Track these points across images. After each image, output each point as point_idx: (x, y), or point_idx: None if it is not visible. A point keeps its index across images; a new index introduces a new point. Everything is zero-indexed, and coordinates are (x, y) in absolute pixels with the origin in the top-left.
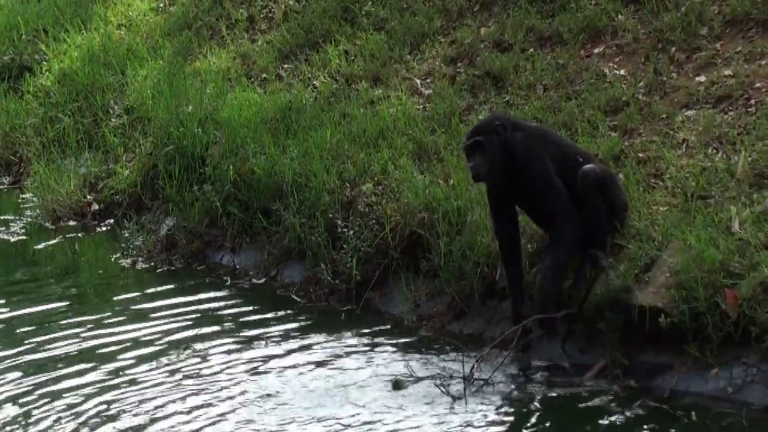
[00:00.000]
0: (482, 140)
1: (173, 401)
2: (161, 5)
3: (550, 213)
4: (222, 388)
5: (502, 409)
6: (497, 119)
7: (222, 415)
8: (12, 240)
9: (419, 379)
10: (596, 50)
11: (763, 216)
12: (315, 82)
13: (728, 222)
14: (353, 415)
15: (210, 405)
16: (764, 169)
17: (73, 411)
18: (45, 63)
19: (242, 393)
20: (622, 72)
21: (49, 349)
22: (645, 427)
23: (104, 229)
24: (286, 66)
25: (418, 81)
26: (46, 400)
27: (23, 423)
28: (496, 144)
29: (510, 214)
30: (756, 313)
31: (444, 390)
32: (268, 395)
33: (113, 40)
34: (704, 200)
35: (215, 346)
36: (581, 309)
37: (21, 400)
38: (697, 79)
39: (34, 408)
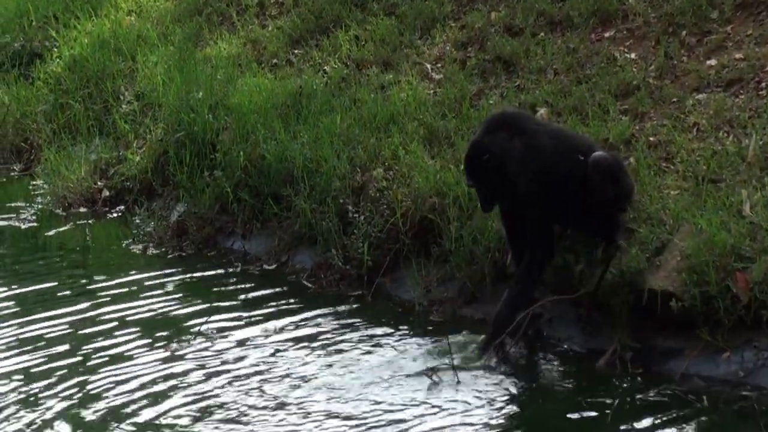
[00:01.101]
0: (476, 182)
1: (181, 387)
2: None
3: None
4: (231, 374)
5: (509, 394)
6: (483, 153)
7: (230, 401)
8: (23, 227)
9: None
10: (607, 34)
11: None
12: (325, 67)
13: (739, 205)
14: (369, 405)
15: (218, 390)
16: (760, 153)
17: (72, 391)
18: (55, 50)
19: (251, 379)
20: (633, 56)
21: (55, 330)
22: (656, 411)
23: (115, 215)
24: (296, 51)
25: (428, 66)
26: (52, 379)
27: (19, 400)
28: (492, 173)
29: (517, 216)
30: (767, 296)
31: (437, 379)
32: (279, 383)
33: (123, 26)
34: (715, 184)
35: (225, 332)
36: (596, 291)
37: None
38: (707, 62)
39: (35, 386)
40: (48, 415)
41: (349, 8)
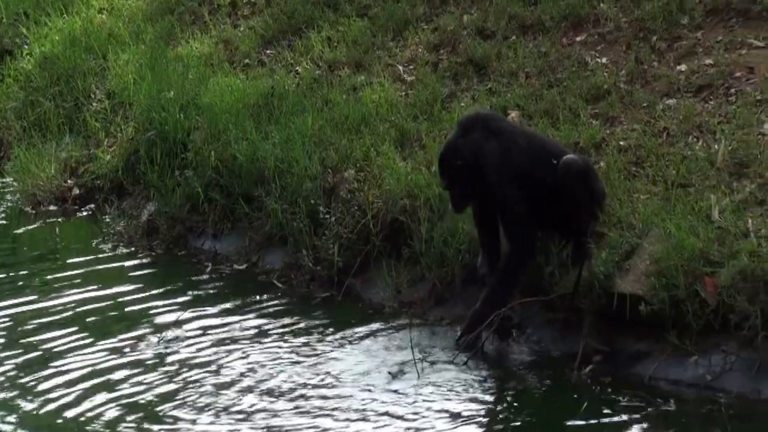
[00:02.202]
0: (449, 184)
1: (151, 388)
2: None
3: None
4: (200, 373)
5: (482, 393)
6: (458, 155)
7: (190, 400)
8: None
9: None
10: (578, 38)
11: (743, 204)
12: (297, 68)
13: (708, 210)
14: (334, 403)
15: (187, 390)
16: (744, 158)
17: (41, 395)
18: (26, 47)
19: (215, 378)
20: (604, 60)
21: (27, 332)
22: (623, 414)
23: (85, 214)
24: (268, 52)
25: (400, 68)
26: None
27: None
28: (465, 175)
29: (491, 217)
30: (735, 301)
31: (400, 376)
32: (246, 382)
33: (95, 24)
34: (684, 188)
35: (194, 331)
36: (574, 293)
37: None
38: (678, 68)
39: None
40: None
41: (321, 9)
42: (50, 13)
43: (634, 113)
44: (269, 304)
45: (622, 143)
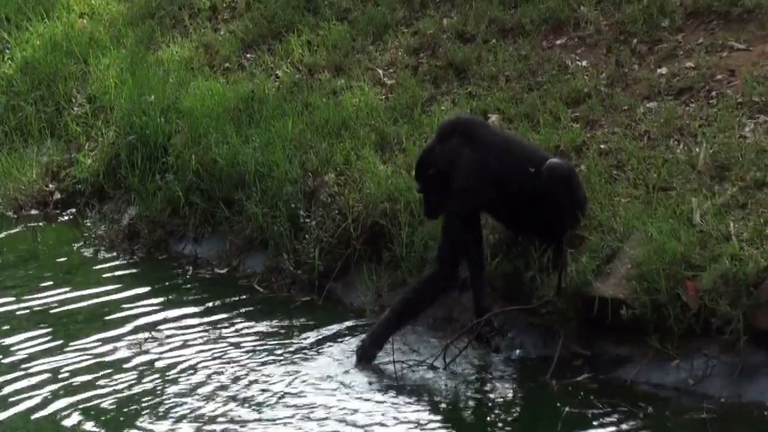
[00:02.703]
0: (423, 190)
1: (128, 394)
2: None
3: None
4: (173, 377)
5: (463, 397)
6: (434, 162)
7: (171, 404)
8: None
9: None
10: (558, 42)
11: (724, 208)
12: (278, 72)
13: (689, 214)
14: (314, 407)
15: (166, 393)
16: (725, 161)
17: (25, 395)
18: (7, 51)
19: (199, 382)
20: (584, 63)
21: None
22: (605, 418)
23: (66, 218)
24: (248, 56)
25: (380, 71)
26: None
27: None
28: (440, 182)
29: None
30: (717, 304)
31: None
32: (225, 386)
33: (76, 28)
34: (666, 192)
35: (173, 335)
36: (557, 297)
37: None
38: (658, 71)
39: None
40: None
41: (301, 13)
42: (31, 18)
43: (614, 116)
44: (249, 307)
45: (602, 146)
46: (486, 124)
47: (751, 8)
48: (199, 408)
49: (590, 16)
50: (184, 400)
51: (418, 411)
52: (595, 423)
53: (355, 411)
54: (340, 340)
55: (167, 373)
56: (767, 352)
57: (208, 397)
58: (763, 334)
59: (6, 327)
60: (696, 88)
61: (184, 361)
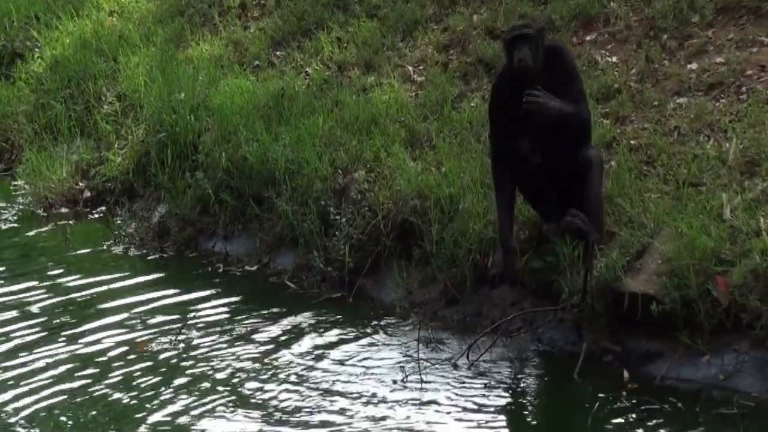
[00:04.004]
0: (530, 32)
1: (163, 389)
2: None
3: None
4: (208, 373)
5: (491, 395)
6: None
7: (208, 399)
8: (3, 227)
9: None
10: (588, 37)
11: (755, 203)
12: (307, 69)
13: (720, 209)
14: (344, 403)
15: (192, 388)
16: (755, 156)
17: (49, 392)
18: (37, 50)
19: (229, 378)
20: (614, 59)
21: (32, 331)
22: (635, 413)
23: (96, 216)
24: (278, 53)
25: (410, 68)
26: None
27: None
28: (540, 42)
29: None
30: (747, 300)
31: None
32: (260, 386)
33: (105, 27)
34: (696, 187)
35: (206, 332)
36: (585, 294)
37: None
38: (688, 66)
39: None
40: None
41: (331, 10)
42: (61, 17)
43: (644, 112)
44: (280, 304)
45: (633, 142)
46: None
47: None
48: (241, 397)
49: (620, 11)
50: (221, 393)
51: (443, 406)
52: (624, 418)
53: (382, 403)
54: (369, 335)
55: (202, 369)
56: None
57: (259, 389)
58: None
59: (32, 321)
60: (726, 84)
61: (219, 357)
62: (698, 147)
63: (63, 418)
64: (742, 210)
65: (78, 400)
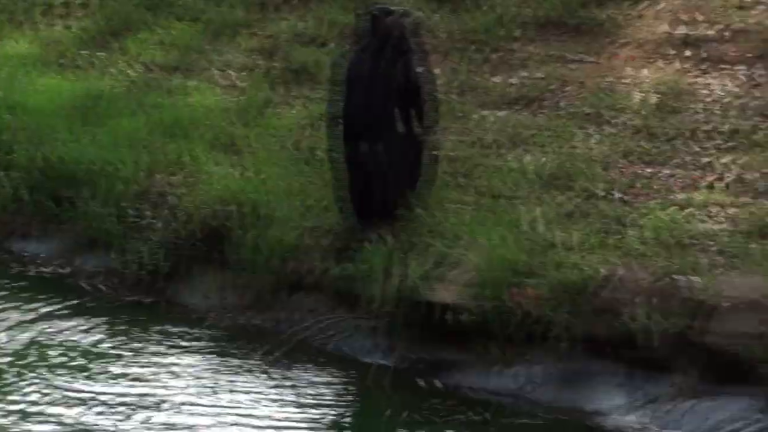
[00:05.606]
0: None
1: None
2: None
3: None
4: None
5: (287, 402)
6: None
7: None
8: None
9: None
10: None
11: (555, 217)
12: (116, 69)
13: (519, 222)
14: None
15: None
16: (557, 170)
17: None
18: None
19: (30, 385)
20: (437, 71)
21: None
22: (440, 423)
23: None
24: (88, 53)
25: (232, 72)
26: None
27: None
28: None
29: None
30: (543, 312)
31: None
32: (65, 389)
33: None
34: (497, 199)
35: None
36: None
37: None
38: (493, 79)
39: None
40: None
41: (144, 12)
42: None
43: (452, 123)
44: (81, 309)
45: (451, 154)
46: None
47: (601, 22)
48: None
49: (442, 23)
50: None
51: (245, 412)
52: (420, 428)
53: (179, 408)
54: (169, 340)
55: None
56: (592, 358)
57: (52, 402)
58: (587, 341)
59: None
60: (530, 97)
61: (10, 362)
62: (501, 159)
63: None
64: (543, 223)
65: None
